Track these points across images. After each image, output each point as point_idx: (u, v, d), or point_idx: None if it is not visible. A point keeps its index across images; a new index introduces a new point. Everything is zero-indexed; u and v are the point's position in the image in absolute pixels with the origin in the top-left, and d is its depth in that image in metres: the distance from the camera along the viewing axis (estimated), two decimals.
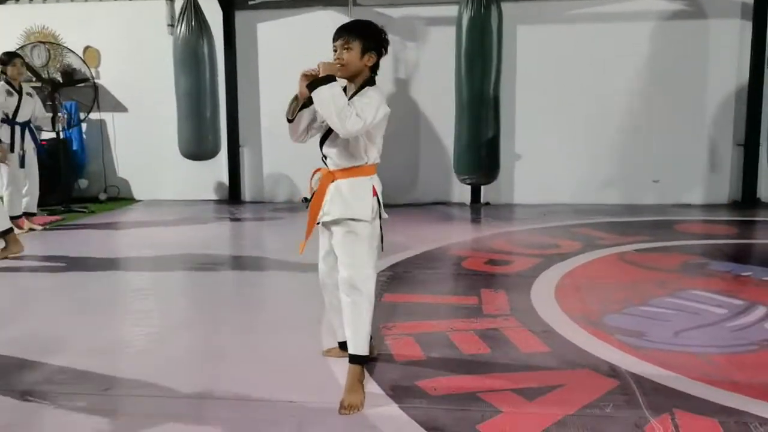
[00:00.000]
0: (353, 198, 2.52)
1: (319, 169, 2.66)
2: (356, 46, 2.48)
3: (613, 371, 2.73)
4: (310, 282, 4.29)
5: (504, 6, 6.66)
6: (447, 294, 4.07)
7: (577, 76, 7.20)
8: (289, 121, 2.56)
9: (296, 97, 2.52)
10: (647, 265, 4.59)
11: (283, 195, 7.93)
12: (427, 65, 7.37)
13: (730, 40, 7.05)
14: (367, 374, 2.65)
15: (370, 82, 2.54)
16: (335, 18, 7.49)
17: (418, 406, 2.44)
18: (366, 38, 2.50)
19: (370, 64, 2.53)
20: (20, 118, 5.89)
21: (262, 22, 7.71)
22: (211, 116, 7.30)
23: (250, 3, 7.75)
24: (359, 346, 2.54)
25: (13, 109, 5.82)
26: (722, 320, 3.40)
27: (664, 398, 2.47)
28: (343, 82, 2.52)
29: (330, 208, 2.54)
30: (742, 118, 7.15)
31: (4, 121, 5.78)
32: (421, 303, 3.77)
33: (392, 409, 2.42)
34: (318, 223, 2.61)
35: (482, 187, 7.34)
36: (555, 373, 2.73)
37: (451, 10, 6.81)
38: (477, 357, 2.92)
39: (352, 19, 2.62)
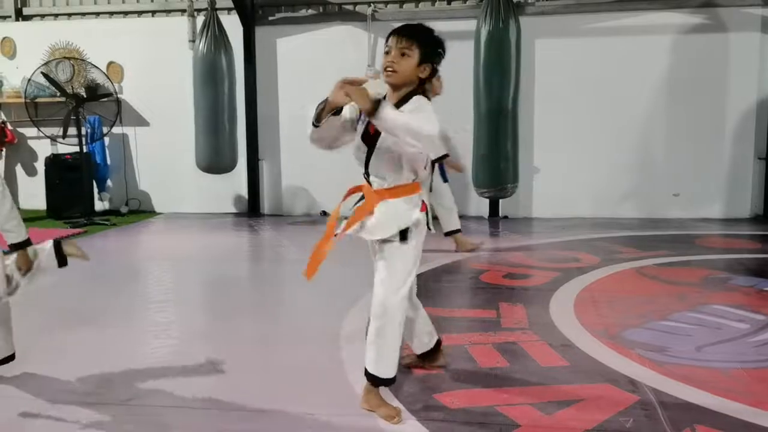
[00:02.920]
0: (399, 216, 2.41)
1: (359, 187, 2.51)
2: (415, 53, 2.32)
3: (634, 386, 2.70)
4: (328, 295, 4.32)
5: (522, 20, 6.67)
6: (465, 307, 4.07)
7: (595, 90, 7.18)
8: (315, 126, 2.37)
9: (326, 101, 2.33)
10: (668, 280, 4.55)
11: (301, 208, 7.97)
12: (445, 79, 7.35)
13: (750, 54, 7.00)
14: (385, 388, 2.64)
15: (416, 92, 2.38)
16: (354, 33, 7.57)
17: (436, 419, 2.43)
18: (427, 47, 2.35)
19: (423, 75, 2.37)
20: None
21: (282, 38, 7.79)
22: (229, 130, 7.38)
23: (270, 19, 7.84)
24: (381, 369, 2.46)
25: None
26: (744, 335, 3.36)
27: (685, 414, 2.44)
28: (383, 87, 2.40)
29: (376, 228, 2.41)
30: (763, 132, 7.07)
31: None
32: (440, 316, 3.76)
33: (410, 421, 2.42)
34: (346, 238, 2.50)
35: (500, 200, 7.33)
36: (574, 387, 2.71)
37: (470, 25, 6.84)
38: (495, 370, 2.91)
39: (404, 24, 2.42)
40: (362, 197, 2.52)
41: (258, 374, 2.94)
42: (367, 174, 2.49)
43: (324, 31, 7.67)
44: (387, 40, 2.38)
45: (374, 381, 2.49)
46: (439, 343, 2.90)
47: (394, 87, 2.39)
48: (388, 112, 2.17)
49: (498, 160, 6.56)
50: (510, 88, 6.50)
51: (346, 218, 2.51)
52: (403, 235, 2.42)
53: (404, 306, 2.48)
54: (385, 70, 2.37)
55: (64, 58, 7.87)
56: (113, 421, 2.48)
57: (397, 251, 2.43)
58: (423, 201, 2.49)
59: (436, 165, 5.37)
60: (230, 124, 7.41)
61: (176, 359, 3.16)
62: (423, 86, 2.42)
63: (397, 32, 2.36)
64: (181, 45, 7.53)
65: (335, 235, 2.50)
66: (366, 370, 2.51)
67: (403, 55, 2.32)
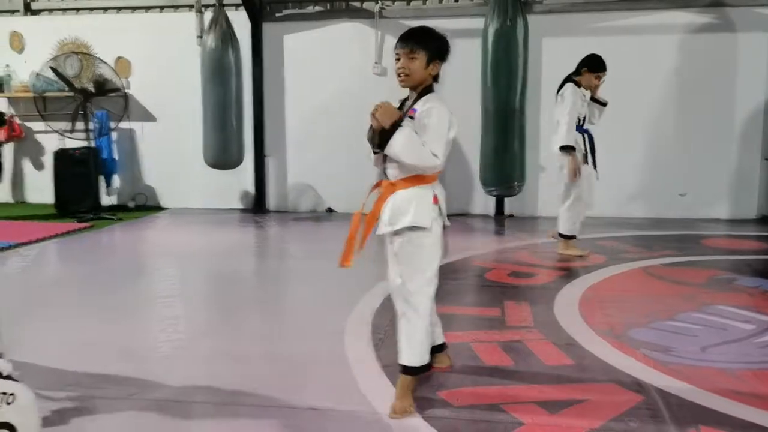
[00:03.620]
0: (412, 207, 2.48)
1: (380, 183, 2.63)
2: (422, 55, 2.48)
3: (639, 386, 2.70)
4: (333, 290, 4.33)
5: (530, 18, 6.66)
6: (470, 305, 4.07)
7: (602, 89, 7.15)
8: (375, 152, 2.58)
9: (372, 130, 2.50)
10: (673, 280, 4.54)
11: (307, 205, 7.98)
12: (453, 77, 7.32)
13: (758, 54, 6.97)
14: (388, 383, 2.66)
15: (430, 89, 2.55)
16: (361, 30, 7.57)
17: (440, 416, 2.44)
18: (431, 47, 2.50)
19: (434, 73, 2.54)
20: (586, 125, 5.26)
21: (289, 34, 7.80)
22: (236, 126, 7.40)
23: (277, 15, 7.85)
24: (410, 358, 2.51)
25: (584, 115, 5.20)
26: (750, 336, 3.35)
27: (690, 414, 2.44)
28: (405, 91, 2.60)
29: (389, 218, 2.51)
30: None
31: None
32: (445, 314, 3.75)
33: (415, 419, 2.43)
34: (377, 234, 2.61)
35: (506, 198, 7.33)
36: (579, 386, 2.71)
37: (477, 23, 6.83)
38: (500, 368, 2.92)
39: (408, 30, 2.56)
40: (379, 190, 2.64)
41: (263, 368, 2.95)
42: (384, 167, 2.59)
43: (331, 28, 7.67)
44: (396, 48, 2.55)
45: (402, 370, 2.54)
46: (444, 344, 2.92)
47: (411, 88, 2.57)
48: (394, 146, 2.40)
49: (505, 158, 6.56)
50: (517, 87, 6.49)
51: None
52: (417, 224, 2.49)
53: (426, 295, 2.52)
54: (398, 75, 2.54)
55: (73, 52, 7.90)
56: (119, 414, 2.49)
57: (411, 243, 2.50)
58: (435, 194, 2.53)
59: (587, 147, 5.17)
60: (237, 120, 7.42)
61: (182, 353, 3.18)
62: (436, 81, 2.58)
63: (402, 39, 2.53)
64: (188, 41, 7.54)
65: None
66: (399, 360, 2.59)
67: (411, 59, 2.49)
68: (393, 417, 2.44)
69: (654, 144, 7.22)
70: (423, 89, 2.54)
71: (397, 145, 2.39)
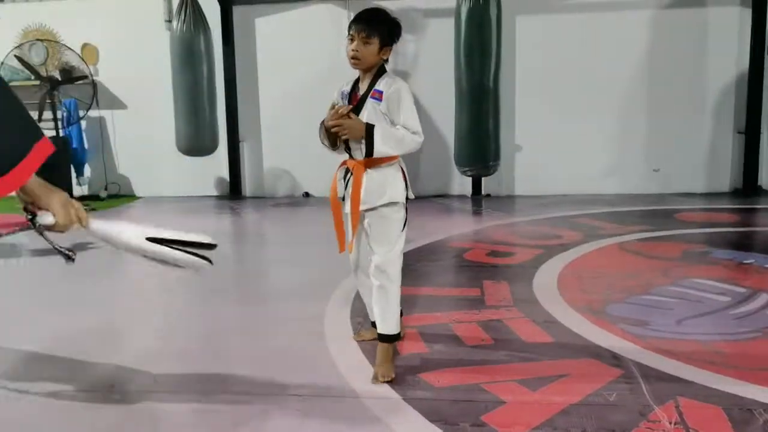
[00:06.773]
0: (388, 184, 2.58)
1: (345, 162, 2.69)
2: (376, 41, 2.51)
3: (617, 360, 2.73)
4: (312, 275, 4.30)
5: None
6: (449, 286, 4.07)
7: (576, 66, 7.18)
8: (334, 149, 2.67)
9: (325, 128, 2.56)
10: (649, 254, 4.59)
11: (283, 190, 7.93)
12: (427, 58, 7.35)
13: (729, 28, 7.03)
14: (369, 366, 2.67)
15: (383, 69, 2.59)
16: (333, 12, 7.48)
17: (421, 397, 2.44)
18: (386, 33, 2.53)
19: (385, 57, 2.58)
20: None
21: (260, 17, 7.69)
22: (208, 112, 7.30)
23: None
24: (388, 327, 2.64)
25: None
26: (725, 308, 3.39)
27: (668, 386, 2.47)
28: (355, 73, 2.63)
29: (365, 197, 2.57)
30: (743, 106, 7.13)
31: None
32: (424, 295, 3.77)
33: (396, 400, 2.42)
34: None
35: (483, 178, 7.34)
36: (558, 362, 2.73)
37: (450, 2, 6.79)
38: (480, 348, 2.92)
39: (367, 8, 2.61)
40: (347, 171, 2.68)
41: (243, 354, 2.93)
42: (348, 148, 2.62)
43: (303, 10, 7.57)
44: (349, 28, 2.57)
45: (381, 338, 2.66)
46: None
47: (363, 71, 2.60)
48: (379, 149, 2.47)
49: (480, 138, 6.56)
50: (491, 66, 6.48)
51: (343, 198, 2.72)
52: (394, 200, 2.60)
53: (399, 264, 2.66)
54: (350, 58, 2.56)
55: (38, 40, 7.71)
56: (95, 408, 2.45)
57: (384, 218, 2.60)
58: (402, 168, 2.64)
59: None
60: (210, 105, 7.32)
61: (161, 343, 3.14)
62: (386, 62, 2.62)
63: (358, 21, 2.54)
64: (157, 25, 7.41)
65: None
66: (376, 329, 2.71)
67: (366, 43, 2.51)
68: (375, 382, 2.52)
69: (627, 120, 7.27)
70: (378, 71, 2.58)
71: (381, 146, 2.47)
